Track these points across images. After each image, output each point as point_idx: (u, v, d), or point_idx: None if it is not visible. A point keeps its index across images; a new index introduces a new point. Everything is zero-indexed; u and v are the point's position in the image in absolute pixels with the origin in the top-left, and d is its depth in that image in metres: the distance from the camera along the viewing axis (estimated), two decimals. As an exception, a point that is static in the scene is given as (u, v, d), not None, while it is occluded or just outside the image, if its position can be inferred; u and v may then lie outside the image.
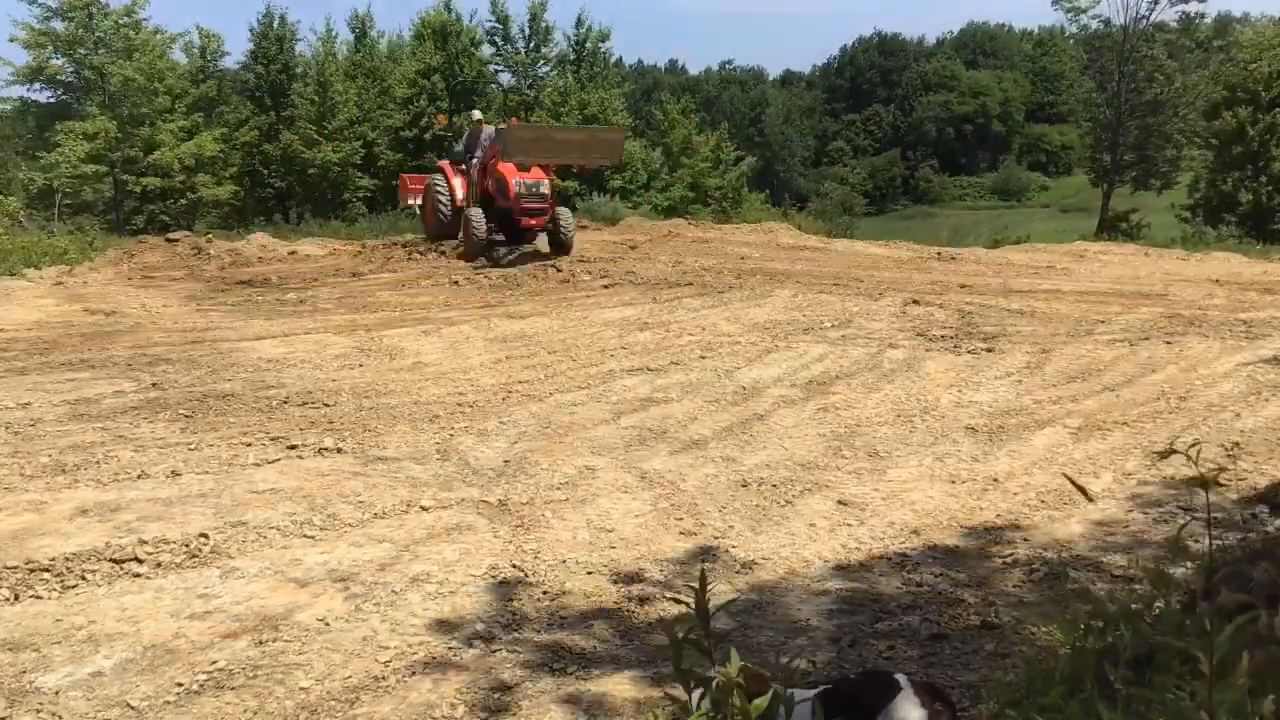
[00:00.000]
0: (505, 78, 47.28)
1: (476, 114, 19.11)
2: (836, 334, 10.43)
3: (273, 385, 8.80)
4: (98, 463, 6.42)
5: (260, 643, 4.12)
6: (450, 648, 4.13)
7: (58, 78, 37.45)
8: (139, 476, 6.16)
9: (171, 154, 37.83)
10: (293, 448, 6.86)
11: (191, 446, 6.83)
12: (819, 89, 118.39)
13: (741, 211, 43.04)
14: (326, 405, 8.15)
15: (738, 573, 4.91)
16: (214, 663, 3.95)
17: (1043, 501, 5.80)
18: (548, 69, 46.58)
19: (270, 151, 41.96)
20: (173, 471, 6.27)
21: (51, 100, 38.49)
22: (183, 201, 39.26)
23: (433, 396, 8.41)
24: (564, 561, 5.03)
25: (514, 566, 4.94)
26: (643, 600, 4.59)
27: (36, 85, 37.45)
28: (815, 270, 14.85)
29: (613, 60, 51.62)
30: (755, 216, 30.41)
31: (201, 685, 3.80)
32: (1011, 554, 5.07)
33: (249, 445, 6.92)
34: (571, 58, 46.39)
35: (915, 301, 11.77)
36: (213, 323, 12.23)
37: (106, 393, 8.46)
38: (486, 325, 11.44)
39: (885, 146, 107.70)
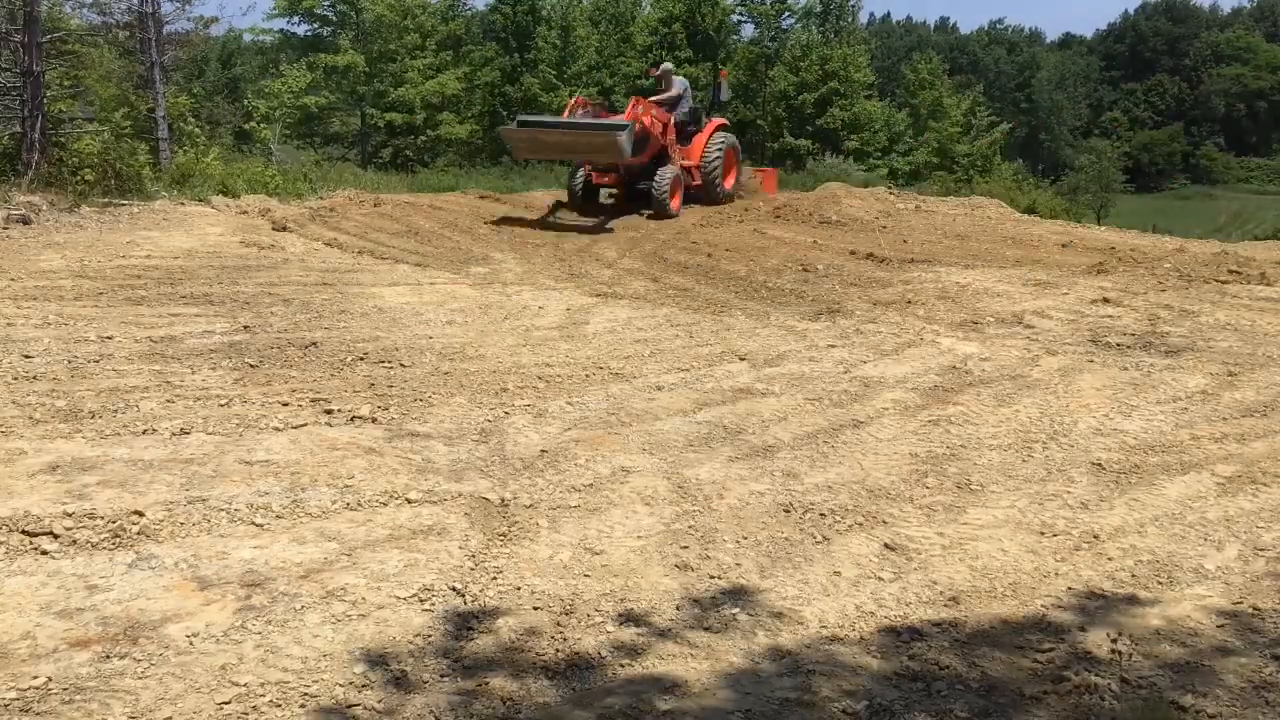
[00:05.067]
0: (748, 29, 46.21)
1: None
2: (996, 330, 9.17)
3: (363, 338, 8.40)
4: (115, 412, 6.11)
5: (106, 657, 3.58)
6: (308, 693, 3.47)
7: (315, 11, 38.96)
8: (143, 432, 5.79)
9: (415, 91, 38.87)
10: (329, 413, 6.38)
11: (224, 402, 6.44)
12: (1096, 55, 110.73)
13: (989, 181, 40.85)
14: (402, 365, 7.66)
15: (710, 629, 4.03)
16: (35, 678, 3.43)
17: (1139, 575, 4.61)
18: (792, 21, 45.18)
19: (511, 94, 42.48)
20: (182, 429, 5.88)
21: (308, 34, 40.11)
22: (423, 138, 40.34)
23: (518, 364, 7.80)
24: (519, 589, 4.29)
25: (453, 589, 4.23)
26: (575, 656, 3.79)
27: (295, 18, 39.09)
28: (1001, 254, 13.38)
29: (862, 16, 49.79)
30: (984, 188, 28.45)
31: (3, 706, 3.30)
32: (1067, 645, 3.96)
33: (285, 405, 6.48)
34: (818, 10, 44.79)
35: (1106, 299, 10.29)
36: (359, 265, 12.04)
37: (195, 332, 8.27)
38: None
39: (1166, 120, 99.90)
